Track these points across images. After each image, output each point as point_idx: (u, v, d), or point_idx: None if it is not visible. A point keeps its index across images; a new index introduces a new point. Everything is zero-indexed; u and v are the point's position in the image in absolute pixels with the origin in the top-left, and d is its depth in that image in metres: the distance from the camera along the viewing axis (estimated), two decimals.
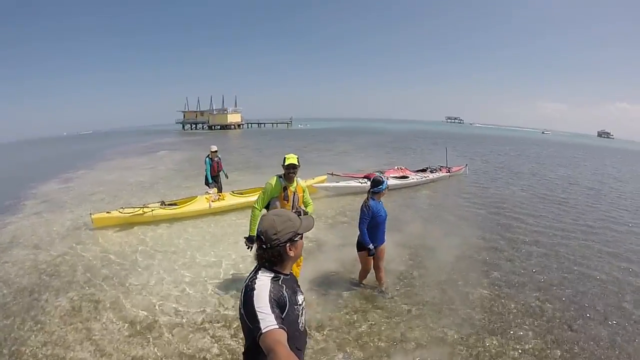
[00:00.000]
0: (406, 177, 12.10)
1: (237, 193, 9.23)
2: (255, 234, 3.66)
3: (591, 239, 7.35)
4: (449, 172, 13.74)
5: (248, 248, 3.97)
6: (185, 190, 11.13)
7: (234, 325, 4.19)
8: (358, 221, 4.40)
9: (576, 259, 6.26)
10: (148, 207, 7.90)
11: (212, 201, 8.59)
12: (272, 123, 72.66)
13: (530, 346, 3.80)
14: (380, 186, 4.39)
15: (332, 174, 11.68)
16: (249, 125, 65.89)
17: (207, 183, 9.11)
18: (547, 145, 45.76)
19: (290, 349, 1.35)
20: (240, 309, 1.53)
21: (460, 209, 9.49)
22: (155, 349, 3.85)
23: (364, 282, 4.98)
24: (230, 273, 5.62)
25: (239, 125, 61.05)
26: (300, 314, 1.62)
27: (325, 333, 3.96)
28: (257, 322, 1.37)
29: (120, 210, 7.76)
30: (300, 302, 1.63)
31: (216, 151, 9.10)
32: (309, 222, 1.70)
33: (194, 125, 59.44)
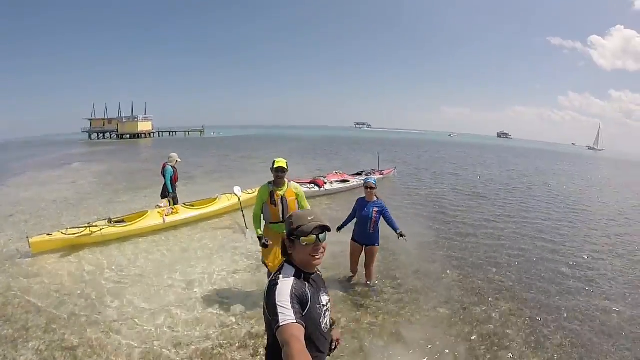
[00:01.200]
0: (347, 181, 12.48)
1: (188, 205, 8.48)
2: (260, 234, 4.11)
3: (518, 224, 9.04)
4: (381, 174, 14.52)
5: (263, 246, 4.06)
6: (120, 206, 9.82)
7: (251, 344, 3.84)
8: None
9: (512, 241, 7.76)
10: (95, 226, 6.71)
11: (166, 215, 7.68)
12: (185, 131, 69.02)
13: (505, 308, 4.83)
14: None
15: None
16: (160, 133, 61.69)
17: (164, 194, 8.28)
18: (455, 147, 52.31)
19: (311, 349, 1.39)
20: (263, 303, 1.52)
21: (404, 208, 10.02)
22: None
23: (354, 276, 5.37)
24: (212, 288, 5.22)
25: (150, 134, 56.92)
26: (322, 314, 1.59)
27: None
28: (277, 315, 1.37)
29: (63, 231, 6.43)
30: (324, 303, 1.62)
31: (178, 161, 8.46)
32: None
33: (102, 135, 53.71)
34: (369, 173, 14.21)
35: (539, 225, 9.21)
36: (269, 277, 4.53)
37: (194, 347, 3.86)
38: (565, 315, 4.74)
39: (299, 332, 1.33)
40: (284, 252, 1.66)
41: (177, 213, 7.98)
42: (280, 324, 1.34)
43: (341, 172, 13.76)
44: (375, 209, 4.80)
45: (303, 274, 1.57)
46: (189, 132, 69.57)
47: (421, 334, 4.16)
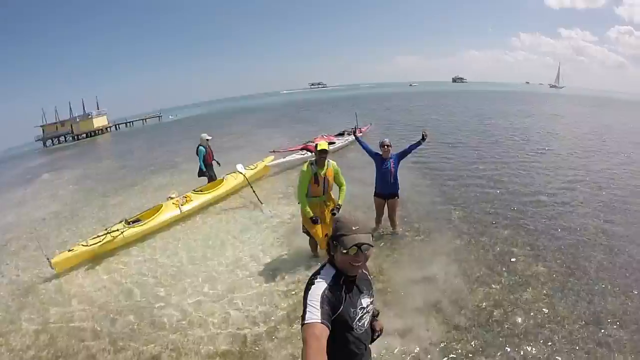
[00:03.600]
0: (333, 143, 12.51)
1: (198, 191, 8.10)
2: (312, 215, 4.49)
3: (510, 172, 8.91)
4: (360, 132, 14.48)
5: (314, 223, 4.51)
6: (118, 208, 9.03)
7: None
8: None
9: (495, 180, 8.16)
10: (115, 230, 6.20)
11: (182, 205, 7.25)
12: (142, 119, 64.04)
13: (506, 233, 5.49)
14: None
15: (274, 152, 11.82)
16: (117, 126, 57.88)
17: (201, 173, 8.70)
18: (418, 97, 51.94)
19: (342, 350, 1.53)
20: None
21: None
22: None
23: (378, 227, 5.73)
24: (256, 265, 5.21)
25: (107, 129, 53.58)
26: (357, 317, 1.57)
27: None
28: (305, 312, 1.41)
29: (84, 243, 5.89)
30: (363, 305, 1.60)
31: (208, 139, 8.58)
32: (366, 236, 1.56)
33: (57, 139, 50.19)
34: (350, 132, 14.36)
35: (515, 164, 9.60)
36: (310, 244, 4.59)
37: (271, 319, 3.92)
38: (554, 232, 5.39)
39: (320, 332, 1.35)
40: (329, 251, 1.63)
41: (191, 200, 7.57)
42: (305, 322, 1.38)
43: (327, 134, 14.13)
44: (392, 161, 5.30)
45: (343, 277, 1.55)
46: (146, 119, 65.78)
47: (444, 264, 4.70)
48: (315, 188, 4.52)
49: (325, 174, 4.52)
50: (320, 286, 1.49)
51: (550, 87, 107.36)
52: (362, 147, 5.54)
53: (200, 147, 8.44)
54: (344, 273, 1.57)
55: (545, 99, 43.29)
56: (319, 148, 4.40)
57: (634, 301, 3.78)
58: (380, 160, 5.36)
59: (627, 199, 6.74)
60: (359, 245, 1.49)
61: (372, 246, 1.53)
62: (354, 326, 1.57)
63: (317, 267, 1.64)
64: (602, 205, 6.34)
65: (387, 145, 5.28)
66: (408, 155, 5.43)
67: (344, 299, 1.52)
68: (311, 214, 4.48)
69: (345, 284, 1.56)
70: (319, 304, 1.42)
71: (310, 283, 1.53)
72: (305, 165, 4.46)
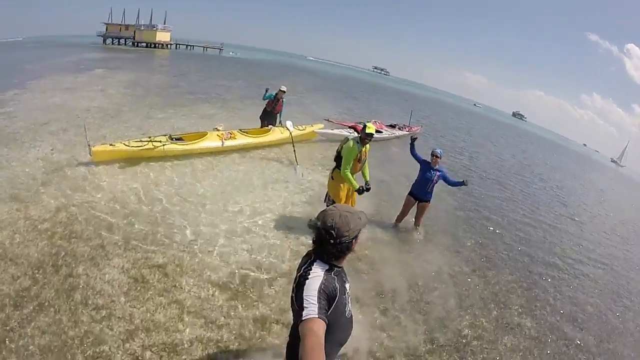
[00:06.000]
0: (381, 132, 12.61)
1: (244, 132, 8.29)
2: (358, 187, 4.61)
3: (535, 225, 10.23)
4: (409, 130, 14.87)
5: (361, 194, 4.75)
6: (161, 122, 9.41)
7: None
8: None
9: (519, 225, 8.00)
10: (158, 141, 6.50)
11: (225, 139, 7.51)
12: (203, 47, 64.24)
13: (510, 278, 5.46)
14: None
15: (328, 120, 12.13)
16: (177, 46, 58.86)
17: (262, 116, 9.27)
18: (478, 119, 49.94)
19: (335, 339, 1.60)
20: (291, 294, 1.63)
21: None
22: (269, 308, 3.50)
23: (398, 224, 5.94)
24: (275, 217, 5.43)
25: (167, 45, 54.69)
26: (347, 303, 1.65)
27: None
28: (302, 308, 1.44)
29: (126, 143, 6.23)
30: (348, 291, 1.68)
31: (284, 92, 8.85)
32: (366, 218, 1.70)
33: (117, 40, 51.61)
34: (402, 127, 14.66)
35: (543, 220, 9.13)
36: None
37: (274, 269, 4.13)
38: (555, 296, 5.31)
39: (319, 327, 1.38)
40: (329, 251, 1.63)
41: (234, 138, 7.81)
42: (303, 318, 1.41)
43: (380, 121, 13.97)
44: (438, 174, 5.46)
45: (335, 269, 1.62)
46: (207, 48, 66.50)
47: (444, 282, 4.85)
48: (356, 166, 4.70)
49: (365, 152, 4.78)
50: (315, 281, 1.52)
51: (612, 161, 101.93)
52: (411, 151, 5.68)
53: (270, 93, 8.77)
54: (337, 265, 1.65)
55: (602, 171, 40.48)
56: (367, 130, 4.53)
57: None
58: (427, 167, 5.53)
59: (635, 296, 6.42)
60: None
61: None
62: (346, 311, 1.65)
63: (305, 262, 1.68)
64: (610, 291, 6.15)
65: (437, 157, 5.45)
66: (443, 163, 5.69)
67: (338, 290, 1.57)
68: (357, 186, 4.65)
69: (337, 275, 1.62)
70: (316, 299, 1.46)
71: (304, 279, 1.56)
72: (352, 142, 4.58)
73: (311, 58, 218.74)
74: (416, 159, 5.66)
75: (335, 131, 10.91)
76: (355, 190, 4.66)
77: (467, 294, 4.65)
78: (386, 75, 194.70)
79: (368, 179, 4.95)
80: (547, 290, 5.36)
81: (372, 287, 4.23)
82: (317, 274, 1.56)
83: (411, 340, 3.57)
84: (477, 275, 5.23)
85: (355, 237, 1.62)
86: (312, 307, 1.43)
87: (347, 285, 1.68)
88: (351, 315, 1.73)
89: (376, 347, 3.34)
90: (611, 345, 4.48)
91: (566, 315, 4.83)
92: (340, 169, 4.64)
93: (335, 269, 1.63)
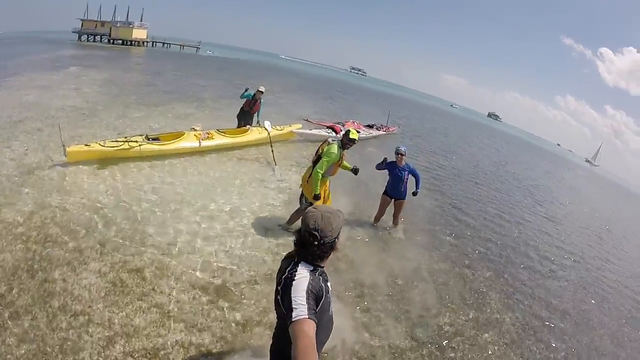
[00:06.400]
0: (358, 132, 12.37)
1: (222, 132, 8.21)
2: (318, 193, 4.54)
3: (513, 223, 9.75)
4: (387, 131, 15.39)
5: (316, 199, 4.56)
6: (137, 122, 9.20)
7: None
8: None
9: (496, 223, 8.16)
10: (134, 141, 6.35)
11: (202, 139, 7.41)
12: (180, 45, 63.51)
13: (487, 274, 5.58)
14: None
15: (306, 120, 12.28)
16: (154, 43, 57.65)
17: (239, 116, 9.21)
18: (454, 120, 51.14)
19: (319, 339, 1.52)
20: (276, 296, 1.62)
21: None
22: (250, 309, 3.50)
23: (376, 224, 6.03)
24: (254, 217, 5.42)
25: (143, 43, 53.56)
26: (331, 301, 1.70)
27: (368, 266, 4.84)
28: (291, 310, 1.43)
29: (101, 143, 6.06)
30: (330, 289, 1.70)
31: (262, 92, 8.79)
32: (343, 216, 1.74)
33: (92, 37, 50.19)
34: (379, 127, 14.98)
35: (520, 218, 9.49)
36: (292, 215, 4.94)
37: (255, 269, 4.16)
38: (532, 291, 5.51)
39: (309, 327, 1.38)
40: (313, 253, 1.65)
41: (212, 138, 7.72)
42: (293, 319, 1.40)
43: (358, 122, 14.22)
44: (407, 171, 5.57)
45: (319, 269, 1.64)
46: (183, 46, 65.53)
47: (424, 279, 4.97)
48: (335, 169, 4.74)
49: (343, 155, 4.81)
50: (303, 282, 1.53)
51: (586, 161, 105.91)
52: (376, 167, 5.83)
53: (249, 92, 8.73)
54: (320, 265, 1.66)
55: (576, 170, 41.91)
56: (350, 136, 4.58)
57: None
58: (393, 168, 5.61)
59: (608, 289, 6.67)
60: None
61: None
62: (329, 310, 1.69)
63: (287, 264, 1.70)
64: (585, 283, 6.44)
65: (401, 154, 5.53)
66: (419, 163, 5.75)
67: (324, 289, 1.59)
68: (318, 191, 4.61)
69: (321, 275, 1.64)
70: (304, 299, 1.46)
71: (290, 280, 1.55)
72: (335, 147, 4.57)
73: (284, 57, 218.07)
74: (382, 169, 5.75)
75: (314, 131, 10.96)
76: (313, 197, 4.58)
77: (446, 291, 4.79)
78: (363, 75, 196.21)
79: (351, 167, 5.01)
80: (524, 284, 5.60)
81: (352, 287, 4.30)
82: (303, 274, 1.56)
83: (393, 338, 3.65)
84: (456, 272, 5.39)
85: (337, 236, 1.65)
86: (301, 307, 1.43)
87: (329, 284, 1.70)
88: (332, 314, 1.76)
89: (358, 346, 3.40)
90: (587, 337, 4.73)
91: (544, 308, 5.06)
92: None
93: (320, 269, 1.65)
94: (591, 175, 45.92)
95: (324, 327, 1.64)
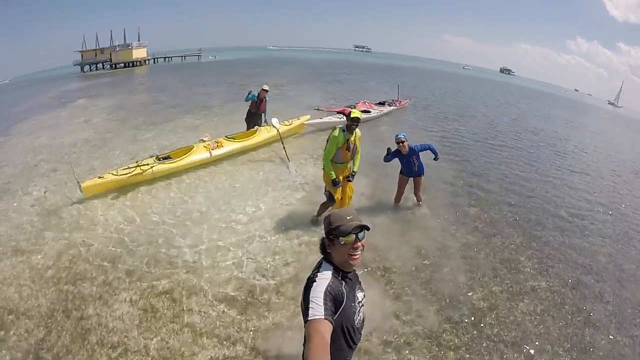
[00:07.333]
0: (369, 112, 12.56)
1: (230, 138, 8.22)
2: (334, 178, 4.62)
3: (538, 181, 8.19)
4: (399, 105, 15.19)
5: (335, 185, 4.70)
6: (149, 143, 9.36)
7: None
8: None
9: (520, 185, 7.86)
10: (146, 164, 6.46)
11: (212, 149, 7.46)
12: (181, 56, 63.60)
13: (518, 240, 5.42)
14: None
15: (318, 109, 12.17)
16: (155, 60, 58.28)
17: (247, 119, 9.14)
18: (466, 81, 49.29)
19: (343, 344, 1.58)
20: (301, 298, 1.59)
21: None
22: (279, 315, 3.53)
23: (397, 204, 5.95)
24: (274, 220, 5.43)
25: (145, 61, 54.23)
26: (357, 311, 1.65)
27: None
28: (307, 310, 1.44)
29: (114, 172, 6.20)
30: (359, 299, 1.68)
31: (267, 91, 8.69)
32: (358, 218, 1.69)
33: (94, 66, 51.35)
34: (391, 103, 14.68)
35: (545, 175, 9.08)
36: (320, 208, 4.84)
37: (279, 274, 4.18)
38: (565, 251, 5.28)
39: (324, 328, 1.38)
40: (323, 250, 1.69)
41: (222, 146, 7.74)
42: (309, 319, 1.41)
43: (369, 101, 13.97)
44: (414, 156, 5.42)
45: (341, 273, 1.61)
46: (185, 56, 65.75)
47: (452, 257, 4.85)
48: (345, 154, 4.67)
49: (354, 140, 4.68)
50: (322, 283, 1.52)
51: (609, 103, 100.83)
52: (384, 160, 5.68)
53: (253, 94, 8.62)
54: (342, 269, 1.63)
55: (598, 115, 39.75)
56: (352, 116, 4.46)
57: (625, 340, 3.63)
58: (399, 155, 5.50)
59: None
60: (356, 232, 1.57)
61: (368, 229, 1.62)
62: (355, 319, 1.64)
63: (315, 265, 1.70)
64: (621, 235, 6.12)
65: (402, 142, 5.32)
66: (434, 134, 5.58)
67: (345, 295, 1.56)
68: (334, 176, 4.61)
69: (345, 280, 1.61)
70: (322, 300, 1.45)
71: (311, 281, 1.56)
72: (337, 131, 4.52)
73: (272, 47, 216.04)
74: (390, 160, 5.61)
75: (325, 119, 10.79)
76: (332, 180, 4.62)
77: (476, 265, 4.65)
78: (368, 51, 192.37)
79: (355, 170, 4.92)
80: (557, 247, 5.33)
81: (380, 275, 4.25)
82: (325, 276, 1.57)
83: (426, 322, 3.59)
84: (484, 243, 5.22)
85: (332, 235, 1.62)
86: (318, 308, 1.44)
87: (359, 294, 1.69)
88: (362, 325, 1.74)
89: (391, 335, 3.36)
90: (628, 292, 4.47)
91: (580, 269, 4.82)
92: None
93: (343, 273, 1.63)
94: (614, 117, 43.60)
95: (347, 335, 1.62)
